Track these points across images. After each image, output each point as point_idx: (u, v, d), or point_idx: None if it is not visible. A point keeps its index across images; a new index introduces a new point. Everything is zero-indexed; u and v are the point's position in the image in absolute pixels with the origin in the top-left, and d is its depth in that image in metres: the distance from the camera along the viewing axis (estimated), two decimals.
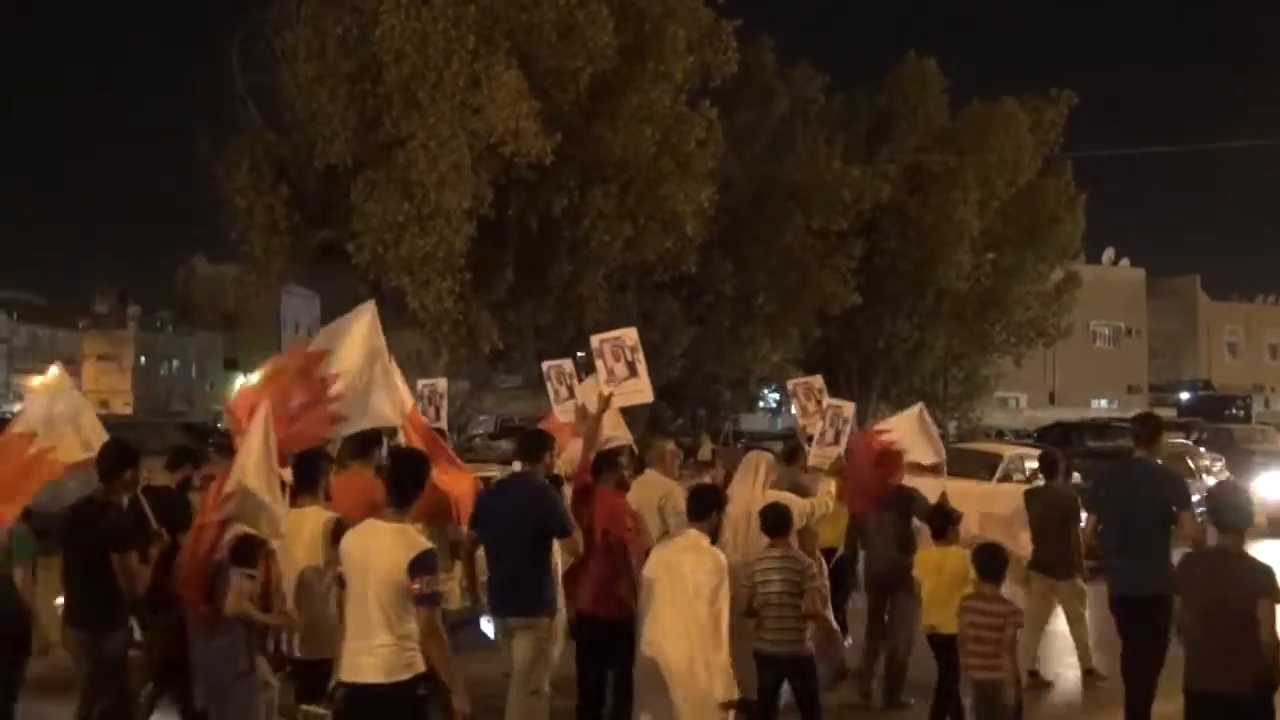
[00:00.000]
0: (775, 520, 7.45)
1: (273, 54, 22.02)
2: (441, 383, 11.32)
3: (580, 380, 10.33)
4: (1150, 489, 7.73)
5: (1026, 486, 11.97)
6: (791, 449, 10.27)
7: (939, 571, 8.16)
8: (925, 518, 8.76)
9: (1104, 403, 61.11)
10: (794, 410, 11.88)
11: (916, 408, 10.73)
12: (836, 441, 9.75)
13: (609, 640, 7.38)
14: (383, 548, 5.50)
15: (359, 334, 7.81)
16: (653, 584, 6.56)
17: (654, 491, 8.53)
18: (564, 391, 10.35)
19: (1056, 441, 22.03)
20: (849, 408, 10.02)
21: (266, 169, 21.88)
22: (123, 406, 75.53)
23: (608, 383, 8.93)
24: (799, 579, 7.23)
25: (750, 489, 8.25)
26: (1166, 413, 38.05)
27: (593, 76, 21.76)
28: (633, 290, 25.71)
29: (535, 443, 7.78)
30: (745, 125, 28.80)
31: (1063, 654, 10.35)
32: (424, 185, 19.94)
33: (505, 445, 25.13)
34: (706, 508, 6.77)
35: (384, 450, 8.50)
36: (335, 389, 7.58)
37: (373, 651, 5.47)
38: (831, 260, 28.39)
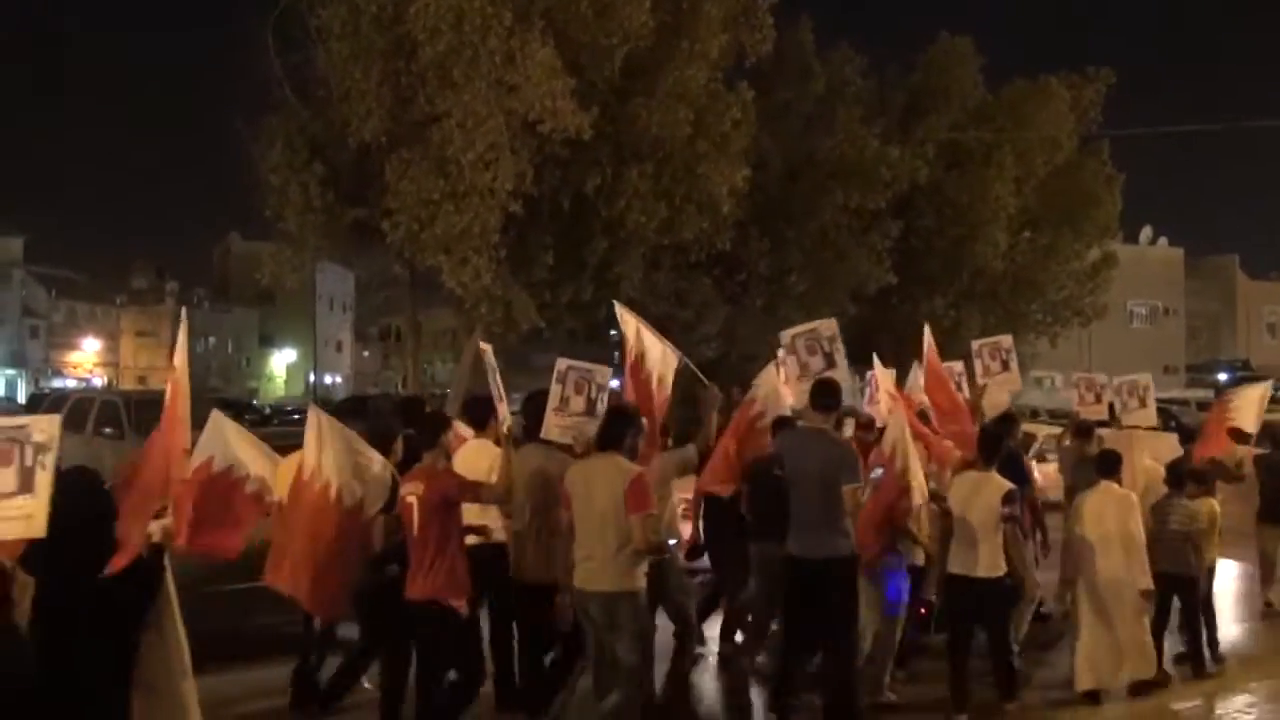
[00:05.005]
0: (1176, 477, 9.66)
1: (307, 32, 22.04)
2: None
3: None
4: None
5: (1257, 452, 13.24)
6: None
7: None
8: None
9: None
10: (1074, 402, 12.98)
11: (1263, 385, 13.27)
12: (1144, 405, 12.20)
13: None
14: (979, 489, 8.37)
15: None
16: (1089, 526, 8.91)
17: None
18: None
19: None
20: (1146, 377, 12.56)
21: (300, 147, 21.91)
22: (161, 382, 75.70)
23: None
24: (1189, 520, 9.38)
25: (1138, 460, 10.68)
26: (1205, 393, 37.67)
27: (628, 55, 21.68)
28: (666, 269, 25.63)
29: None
30: (782, 104, 28.61)
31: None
32: (459, 163, 19.91)
33: None
34: (1114, 467, 9.14)
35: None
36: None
37: (978, 555, 8.24)
38: (866, 239, 28.24)
